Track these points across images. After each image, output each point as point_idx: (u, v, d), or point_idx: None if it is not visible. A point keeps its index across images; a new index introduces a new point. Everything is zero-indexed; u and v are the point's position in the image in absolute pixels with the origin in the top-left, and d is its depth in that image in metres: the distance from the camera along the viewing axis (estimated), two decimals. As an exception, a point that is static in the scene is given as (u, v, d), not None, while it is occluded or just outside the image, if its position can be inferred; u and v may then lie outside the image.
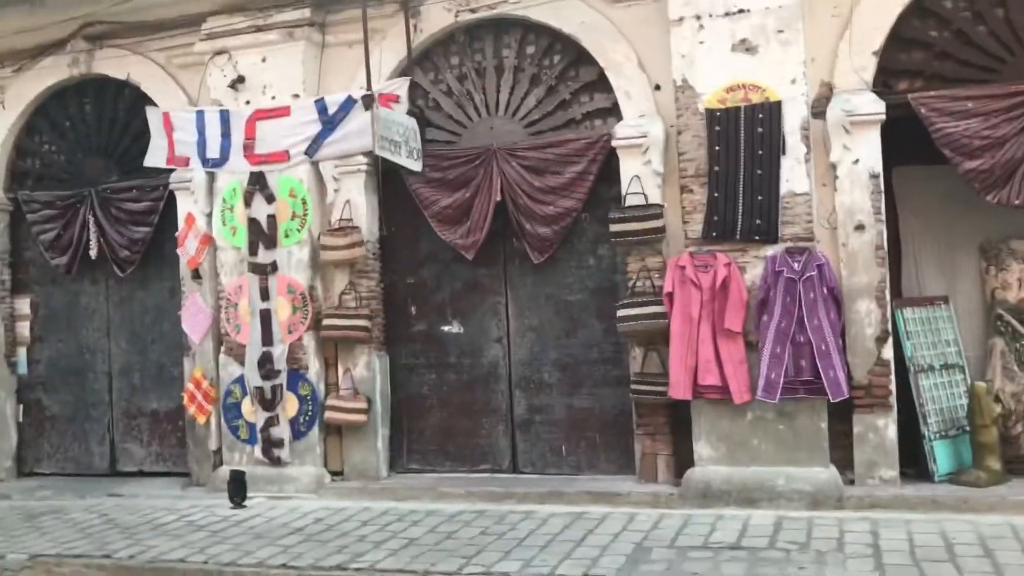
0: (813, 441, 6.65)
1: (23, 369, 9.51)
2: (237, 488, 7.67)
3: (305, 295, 7.96)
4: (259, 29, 8.08)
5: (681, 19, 6.96)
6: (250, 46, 8.13)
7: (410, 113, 7.59)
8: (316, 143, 7.24)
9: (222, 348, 8.31)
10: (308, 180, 8.00)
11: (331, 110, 7.19)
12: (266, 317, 8.00)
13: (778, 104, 6.74)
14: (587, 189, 7.41)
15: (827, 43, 6.85)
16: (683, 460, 7.05)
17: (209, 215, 8.36)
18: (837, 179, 6.78)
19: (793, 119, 6.73)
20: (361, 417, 7.82)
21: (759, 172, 6.76)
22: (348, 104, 7.14)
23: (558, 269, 7.71)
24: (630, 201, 7.14)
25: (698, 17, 6.92)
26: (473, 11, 7.74)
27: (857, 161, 6.72)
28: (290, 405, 7.97)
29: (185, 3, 8.29)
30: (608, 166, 7.35)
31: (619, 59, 7.34)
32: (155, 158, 7.73)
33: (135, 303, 9.12)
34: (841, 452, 6.72)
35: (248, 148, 7.41)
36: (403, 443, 8.13)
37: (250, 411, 8.08)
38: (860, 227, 6.72)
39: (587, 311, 7.66)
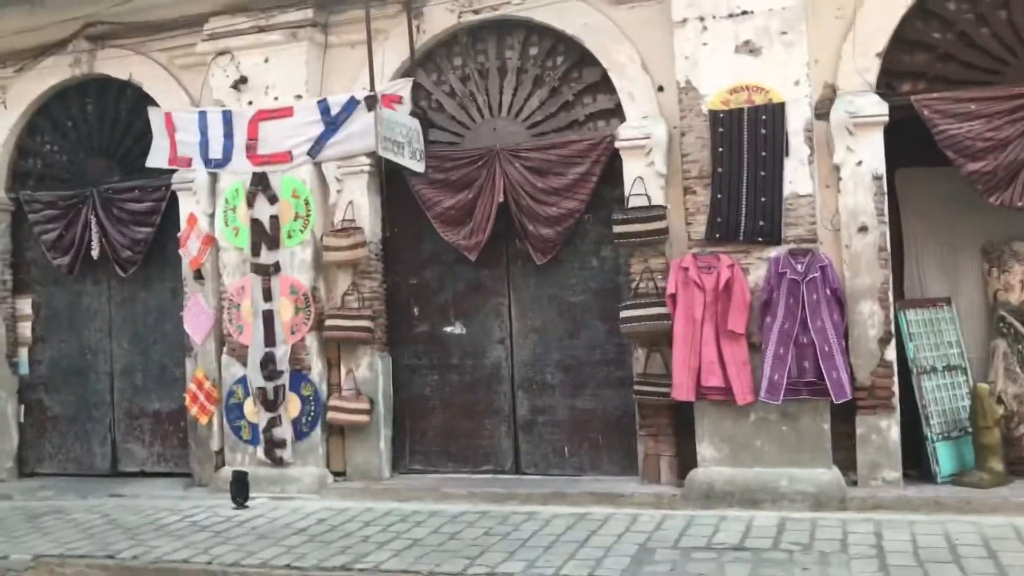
0: (816, 442, 6.65)
1: (25, 369, 9.50)
2: (239, 489, 7.66)
3: (308, 296, 7.96)
4: (262, 30, 8.08)
5: (684, 20, 6.97)
6: (253, 47, 8.12)
7: (413, 114, 7.61)
8: (319, 144, 7.26)
9: (224, 349, 8.31)
10: (311, 181, 8.00)
11: (334, 111, 7.20)
12: (269, 318, 8.00)
13: (781, 106, 6.75)
14: (590, 190, 7.41)
15: (830, 45, 6.86)
16: (686, 461, 7.05)
17: (211, 216, 8.36)
18: (840, 181, 6.78)
19: (796, 120, 6.74)
20: (363, 418, 7.82)
21: (762, 173, 6.77)
22: (351, 105, 7.16)
23: (561, 270, 7.72)
24: (633, 202, 7.15)
25: (701, 19, 6.93)
26: (476, 12, 7.74)
27: (860, 163, 6.73)
28: (292, 406, 7.97)
29: (187, 3, 8.28)
30: (611, 167, 7.35)
31: (622, 60, 7.34)
32: (157, 159, 7.75)
33: (137, 304, 9.11)
34: (844, 453, 6.73)
35: (251, 149, 7.42)
36: (405, 444, 8.13)
37: (252, 412, 8.08)
38: (863, 229, 6.73)
39: (590, 312, 7.66)
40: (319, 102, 7.31)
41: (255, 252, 8.08)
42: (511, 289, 7.89)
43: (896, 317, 6.84)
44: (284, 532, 6.74)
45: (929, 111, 6.57)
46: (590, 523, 6.52)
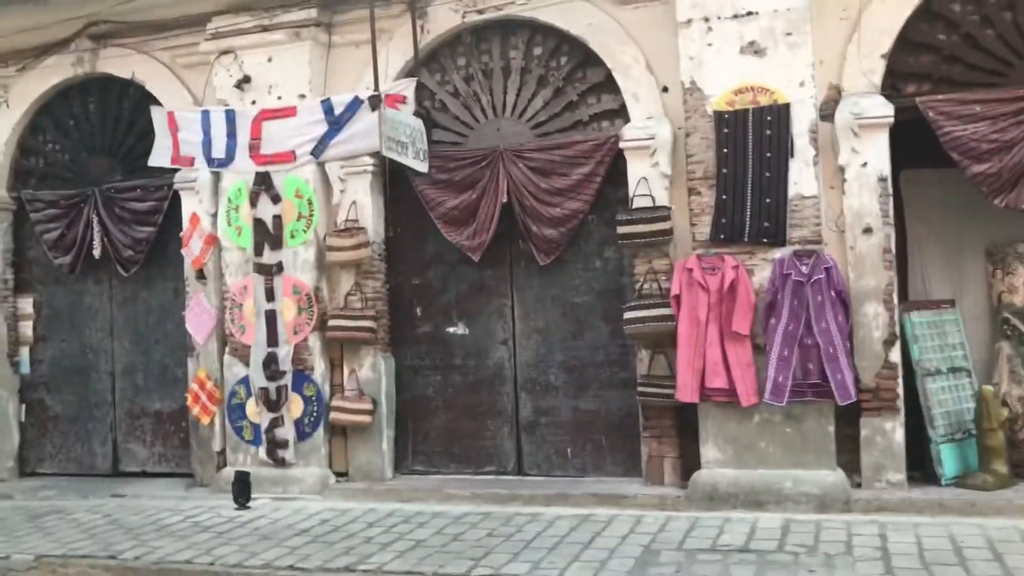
0: (820, 444, 6.64)
1: (26, 369, 9.49)
2: (241, 489, 7.65)
3: (311, 296, 7.94)
4: (265, 29, 8.07)
5: (689, 21, 6.96)
6: (256, 46, 8.11)
7: (416, 114, 7.61)
8: (322, 143, 7.24)
9: (226, 349, 8.29)
10: (314, 181, 7.98)
11: (337, 110, 7.19)
12: (271, 318, 7.98)
13: (786, 107, 6.74)
14: (594, 191, 7.40)
15: (835, 46, 6.85)
16: (690, 463, 7.04)
17: (214, 215, 8.34)
18: (845, 182, 6.78)
19: (801, 122, 6.73)
20: (366, 418, 7.81)
21: (767, 175, 6.75)
22: (354, 105, 7.14)
23: (564, 271, 7.70)
24: (637, 203, 7.13)
25: (706, 19, 6.92)
26: (480, 12, 7.73)
27: (865, 164, 6.72)
28: (295, 406, 7.95)
29: (190, 2, 8.27)
30: (615, 168, 7.34)
31: (627, 61, 7.33)
32: (160, 158, 7.74)
33: (139, 303, 9.10)
34: (848, 455, 6.72)
35: (254, 148, 7.41)
36: (408, 444, 8.12)
37: (255, 412, 8.06)
38: (868, 230, 6.72)
39: (593, 313, 7.65)
40: (323, 102, 7.30)
41: (258, 252, 8.07)
42: (514, 290, 7.88)
43: (900, 319, 6.83)
44: (287, 533, 6.73)
45: (934, 113, 6.57)
46: (594, 525, 6.51)
